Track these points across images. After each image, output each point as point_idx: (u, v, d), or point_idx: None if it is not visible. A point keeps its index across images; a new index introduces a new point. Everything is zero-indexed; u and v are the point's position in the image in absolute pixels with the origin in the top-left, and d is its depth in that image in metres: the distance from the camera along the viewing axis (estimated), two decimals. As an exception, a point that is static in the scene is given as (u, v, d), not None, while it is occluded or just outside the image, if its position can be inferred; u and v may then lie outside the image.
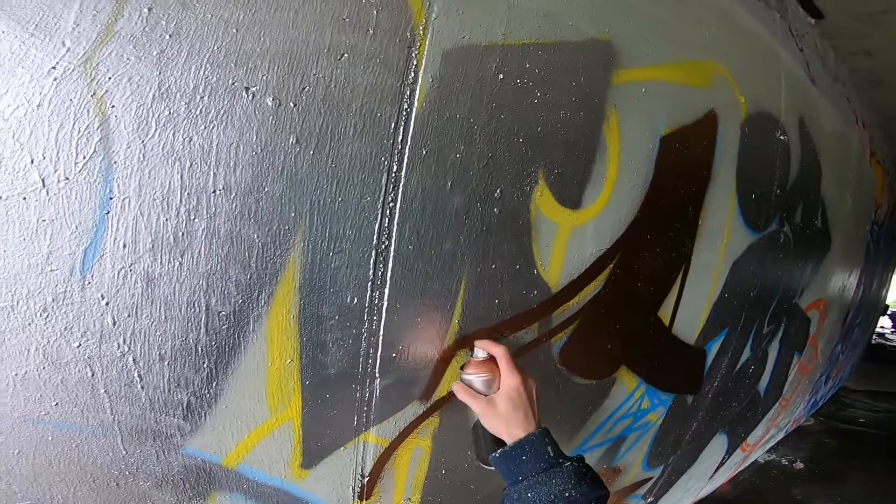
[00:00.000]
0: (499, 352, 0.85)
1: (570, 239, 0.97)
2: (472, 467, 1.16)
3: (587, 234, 1.00)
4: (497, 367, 0.86)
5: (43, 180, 0.58)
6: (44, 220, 0.59)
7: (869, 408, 4.39)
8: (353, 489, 1.02)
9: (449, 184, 0.80)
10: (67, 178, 0.58)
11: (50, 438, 0.71)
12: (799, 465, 3.65)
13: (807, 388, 2.92)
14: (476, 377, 0.86)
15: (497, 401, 0.83)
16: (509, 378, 0.83)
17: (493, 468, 0.85)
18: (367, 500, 1.06)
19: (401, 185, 0.76)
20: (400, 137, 0.75)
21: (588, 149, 0.95)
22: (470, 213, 0.83)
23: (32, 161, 0.57)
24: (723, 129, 1.18)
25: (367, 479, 1.01)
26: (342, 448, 0.93)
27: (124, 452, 0.76)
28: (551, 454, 0.80)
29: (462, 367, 0.89)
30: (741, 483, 3.48)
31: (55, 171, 0.58)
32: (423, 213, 0.79)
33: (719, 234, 1.31)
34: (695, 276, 1.29)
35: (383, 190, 0.75)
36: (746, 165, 1.28)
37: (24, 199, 0.58)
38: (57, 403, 0.68)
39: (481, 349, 0.88)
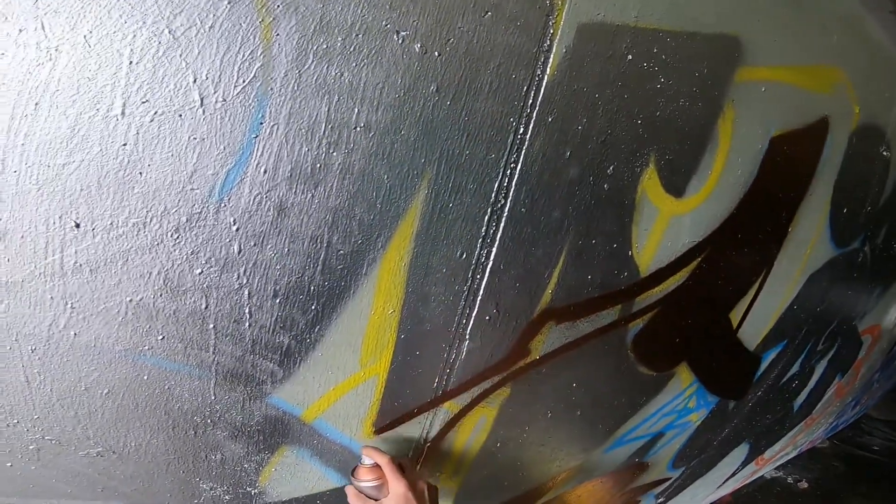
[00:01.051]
0: (382, 461, 0.89)
1: (667, 226, 0.98)
2: (525, 444, 1.19)
3: (684, 224, 1.01)
4: None
5: (202, 99, 0.59)
6: (195, 138, 0.60)
7: (886, 437, 4.40)
8: (412, 454, 1.06)
9: (567, 153, 0.81)
10: (225, 100, 0.60)
11: (145, 378, 0.74)
12: (804, 484, 3.69)
13: (835, 410, 2.93)
14: (366, 483, 0.90)
15: None
16: (395, 485, 0.87)
17: None
18: (419, 466, 1.09)
19: (524, 148, 0.77)
20: (530, 101, 0.75)
21: (700, 140, 0.95)
22: (582, 185, 0.84)
23: (195, 80, 0.58)
24: (832, 136, 1.17)
25: (428, 446, 1.05)
26: (415, 410, 0.96)
27: (213, 398, 0.79)
28: None
29: (352, 473, 0.93)
30: (742, 496, 3.53)
31: (214, 92, 0.59)
32: (540, 178, 0.80)
33: (805, 244, 1.31)
34: (772, 283, 1.30)
35: (508, 150, 0.76)
36: (846, 177, 1.27)
37: (180, 115, 0.59)
38: (163, 337, 0.70)
39: (367, 457, 0.91)
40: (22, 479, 0.83)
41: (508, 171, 0.77)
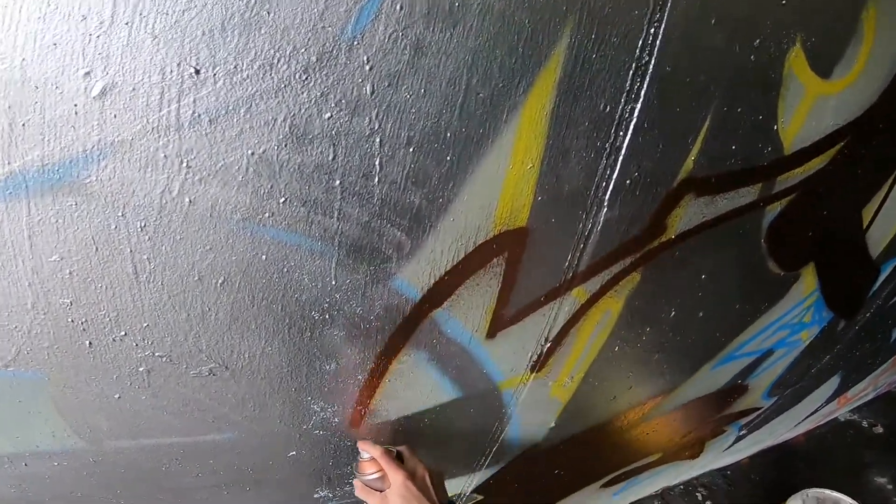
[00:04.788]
0: (376, 453, 0.89)
1: (813, 105, 0.88)
2: (642, 349, 1.09)
3: (829, 106, 0.90)
4: None
5: None
6: None
7: (968, 386, 4.13)
8: (531, 356, 0.97)
9: (713, 20, 0.71)
10: None
11: (263, 258, 0.65)
12: (878, 429, 3.47)
13: (922, 350, 2.77)
14: (369, 476, 0.89)
15: (389, 496, 0.86)
16: (394, 476, 0.86)
17: None
18: (537, 372, 1.01)
19: (667, 8, 0.67)
20: (675, -36, 0.64)
21: (846, 30, 0.84)
22: (728, 52, 0.74)
23: None
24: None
25: (547, 346, 0.96)
26: (542, 297, 0.86)
27: (333, 283, 0.70)
28: None
29: (355, 468, 0.93)
30: (815, 437, 3.34)
31: None
32: (686, 40, 0.70)
33: None
34: None
35: (651, 8, 0.66)
36: None
37: None
38: (286, 199, 0.62)
39: (363, 450, 0.91)
40: (131, 414, 0.77)
41: (652, 30, 0.67)
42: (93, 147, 0.54)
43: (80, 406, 0.73)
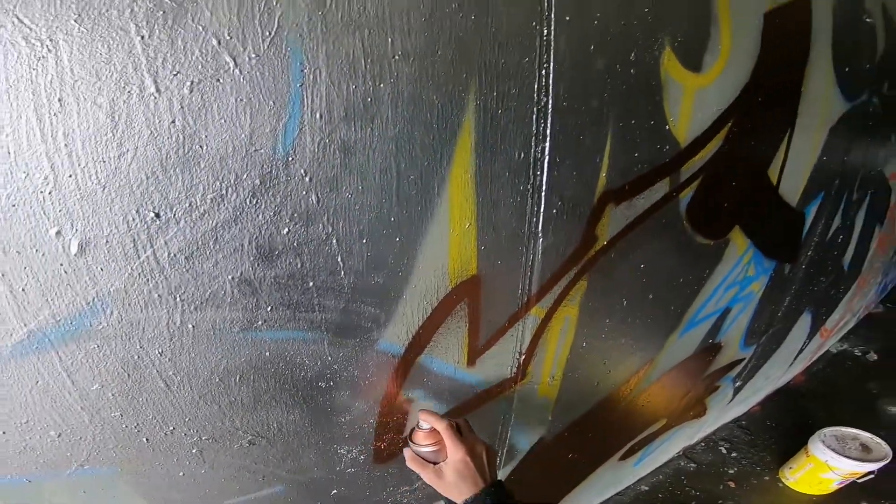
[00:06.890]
0: (441, 426, 0.83)
1: (694, 98, 0.97)
2: (608, 338, 1.18)
3: (709, 95, 0.99)
4: None
5: (234, 60, 0.53)
6: (241, 100, 0.54)
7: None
8: (511, 369, 1.05)
9: (591, 47, 0.78)
10: (258, 55, 0.54)
11: (267, 354, 0.71)
12: (873, 356, 3.44)
13: (880, 268, 2.84)
14: (424, 448, 0.84)
15: (445, 471, 0.81)
16: (454, 451, 0.81)
17: None
18: (521, 381, 1.09)
19: (552, 48, 0.74)
20: (546, 4, 0.72)
21: (703, 21, 0.93)
22: (611, 73, 0.82)
23: (219, 42, 0.52)
24: (816, 8, 1.18)
25: (523, 358, 1.04)
26: (506, 323, 0.95)
27: (329, 358, 0.77)
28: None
29: (409, 437, 0.88)
30: (816, 374, 3.22)
31: (244, 50, 0.53)
32: (573, 73, 0.77)
33: (818, 101, 1.31)
34: (799, 138, 1.30)
35: (537, 52, 0.73)
36: (840, 41, 1.29)
37: (219, 80, 0.53)
38: (272, 308, 0.67)
39: (425, 421, 0.86)
40: (196, 485, 0.83)
41: (543, 71, 0.74)
42: (93, 299, 0.58)
43: (153, 486, 0.80)
